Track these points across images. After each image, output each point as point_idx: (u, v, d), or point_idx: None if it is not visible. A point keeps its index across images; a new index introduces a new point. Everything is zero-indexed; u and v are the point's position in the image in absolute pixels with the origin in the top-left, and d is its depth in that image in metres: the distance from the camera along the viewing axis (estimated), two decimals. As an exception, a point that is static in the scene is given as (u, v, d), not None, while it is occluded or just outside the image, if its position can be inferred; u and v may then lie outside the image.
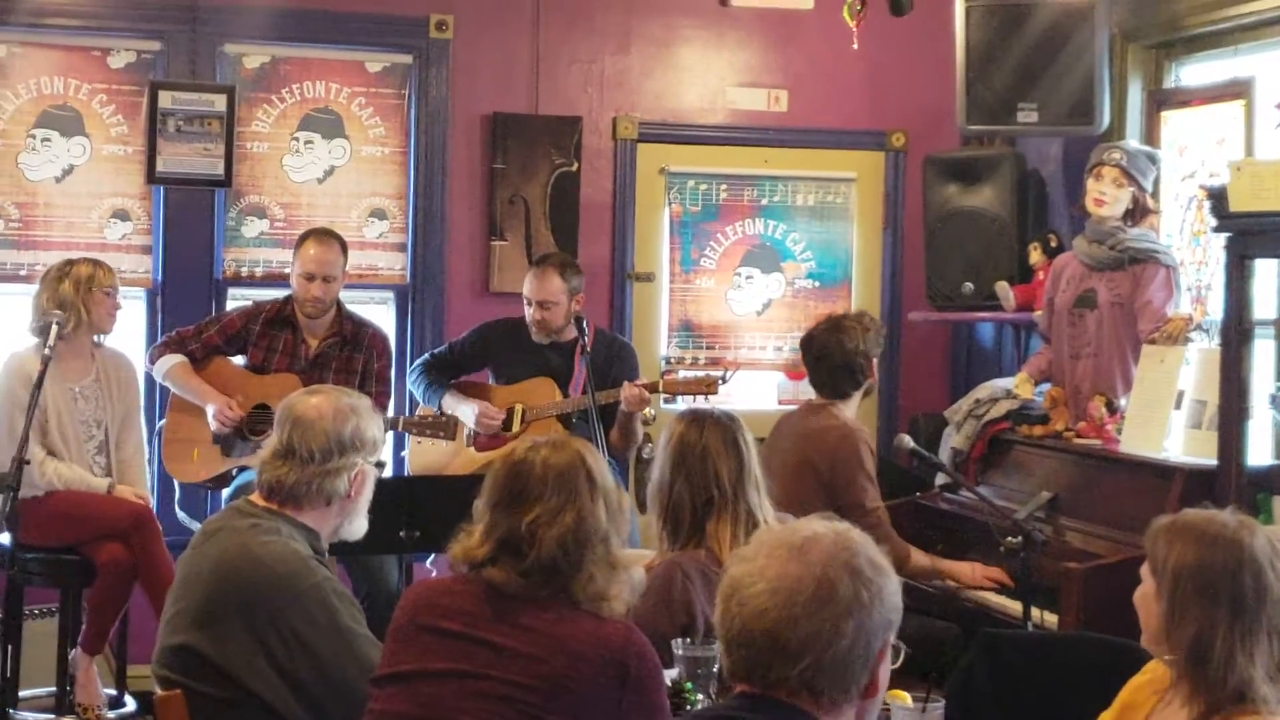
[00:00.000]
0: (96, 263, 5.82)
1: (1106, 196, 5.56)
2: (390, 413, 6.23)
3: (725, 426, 3.86)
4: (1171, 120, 6.21)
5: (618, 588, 3.00)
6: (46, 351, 5.36)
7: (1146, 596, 2.87)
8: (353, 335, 6.11)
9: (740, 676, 2.24)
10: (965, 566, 5.29)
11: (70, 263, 5.79)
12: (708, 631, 3.50)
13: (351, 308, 6.31)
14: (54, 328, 5.42)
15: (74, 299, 5.64)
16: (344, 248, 6.11)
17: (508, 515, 2.98)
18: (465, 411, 6.10)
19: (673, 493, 3.80)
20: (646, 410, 5.99)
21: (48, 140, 6.65)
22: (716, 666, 3.20)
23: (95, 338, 5.81)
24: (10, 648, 5.44)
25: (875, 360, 5.42)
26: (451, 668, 2.92)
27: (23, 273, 6.56)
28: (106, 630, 5.61)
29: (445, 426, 5.91)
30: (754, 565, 2.21)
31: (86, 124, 6.68)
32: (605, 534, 3.01)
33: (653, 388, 5.91)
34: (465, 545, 3.04)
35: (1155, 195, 5.79)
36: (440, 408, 6.12)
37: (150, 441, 6.12)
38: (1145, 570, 2.90)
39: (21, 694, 5.63)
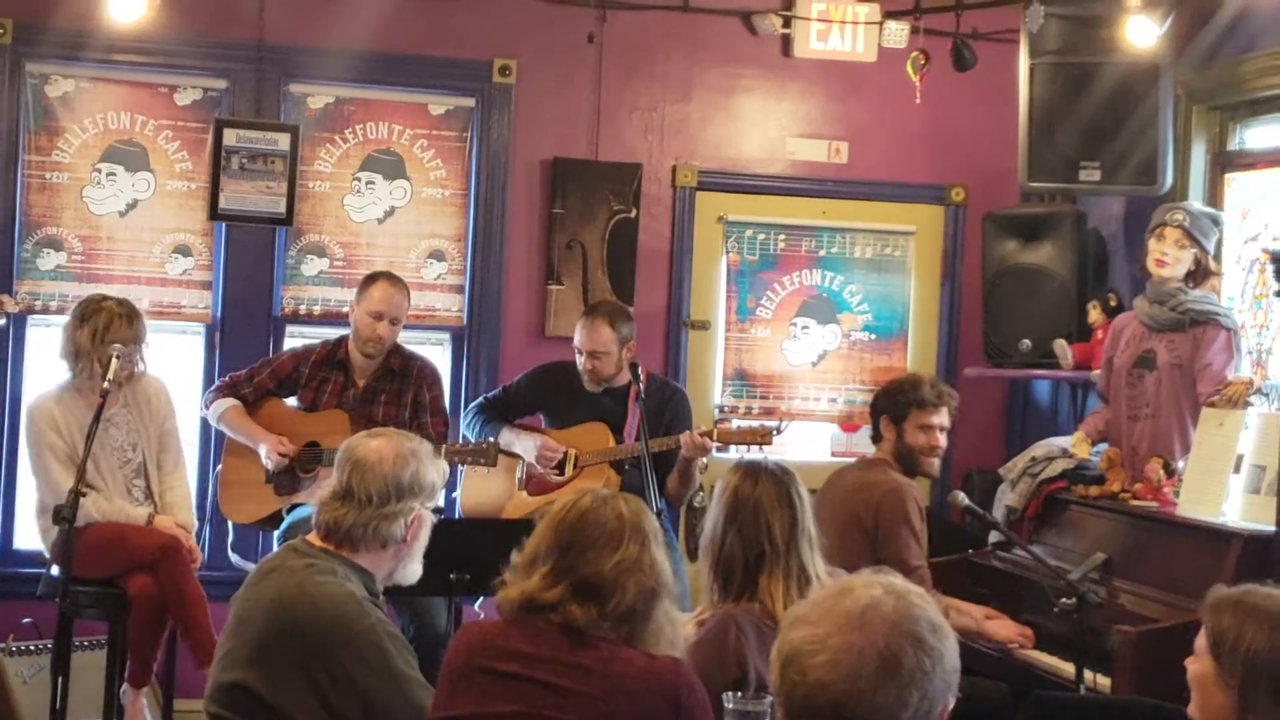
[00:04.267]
0: (122, 307, 5.66)
1: (1168, 257, 5.53)
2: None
3: (779, 480, 3.82)
4: (1235, 182, 6.19)
5: (676, 647, 3.09)
6: (106, 385, 5.35)
7: (1205, 678, 2.79)
8: (401, 368, 6.12)
9: None
10: (1000, 628, 5.24)
11: (98, 303, 5.67)
12: (759, 685, 3.48)
13: (407, 348, 6.32)
14: (113, 361, 5.41)
15: (89, 348, 5.58)
16: (408, 293, 6.14)
17: (585, 560, 3.01)
18: (525, 446, 6.11)
19: (724, 546, 3.77)
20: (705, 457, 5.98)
21: (113, 175, 6.72)
22: (767, 720, 3.18)
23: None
24: (60, 679, 5.44)
25: (891, 423, 5.43)
26: (512, 709, 2.94)
27: (84, 305, 6.62)
28: (148, 663, 5.59)
29: (485, 453, 5.90)
30: (814, 632, 2.17)
31: (151, 159, 6.75)
32: (670, 588, 3.08)
33: (709, 436, 5.89)
34: (524, 588, 3.04)
35: (1217, 257, 5.75)
36: (495, 440, 6.10)
37: (207, 485, 6.14)
38: (1202, 645, 2.81)
39: (70, 726, 5.64)
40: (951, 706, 2.19)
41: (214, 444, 6.40)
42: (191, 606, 5.44)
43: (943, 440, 5.46)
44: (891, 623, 2.14)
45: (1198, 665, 2.82)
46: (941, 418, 5.44)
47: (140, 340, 5.73)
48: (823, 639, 2.14)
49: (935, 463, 5.48)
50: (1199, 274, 5.56)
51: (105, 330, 5.60)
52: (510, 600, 3.07)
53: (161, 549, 5.53)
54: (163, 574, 5.50)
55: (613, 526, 3.03)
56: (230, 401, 6.06)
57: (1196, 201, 6.03)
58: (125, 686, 5.63)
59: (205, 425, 6.44)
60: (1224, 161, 6.24)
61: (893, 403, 5.45)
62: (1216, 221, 5.68)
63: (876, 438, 5.53)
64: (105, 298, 5.75)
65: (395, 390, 6.09)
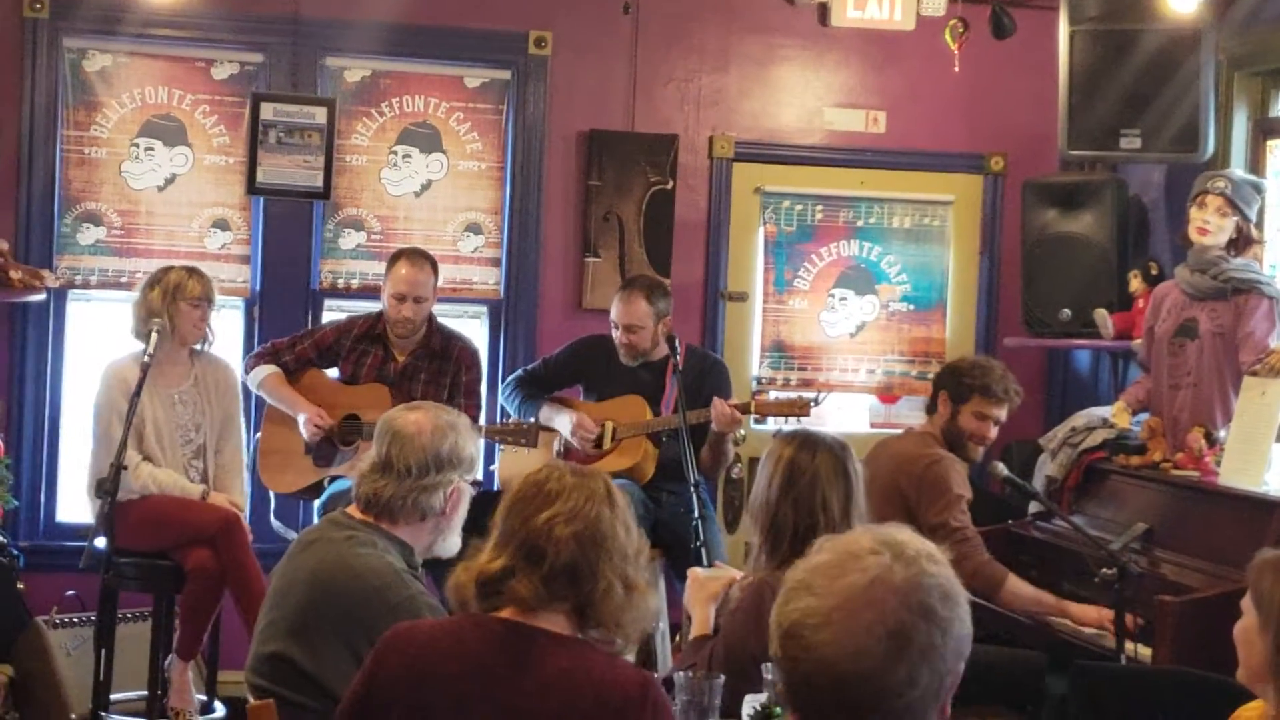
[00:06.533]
0: (191, 271, 5.84)
1: (1210, 225, 5.47)
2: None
3: (836, 453, 3.82)
4: (1277, 149, 6.12)
5: (633, 613, 2.87)
6: (146, 359, 5.42)
7: (1249, 631, 2.82)
8: (441, 348, 6.13)
9: (802, 713, 2.06)
10: (1090, 611, 5.03)
11: (166, 269, 5.85)
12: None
13: (445, 321, 6.34)
14: (154, 335, 5.47)
15: (160, 307, 5.67)
16: (435, 267, 6.14)
17: (523, 520, 2.84)
18: (561, 422, 6.12)
19: (778, 514, 3.77)
20: (738, 430, 5.96)
21: (151, 149, 6.73)
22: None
23: (197, 345, 5.86)
24: (104, 651, 5.48)
25: (949, 400, 5.41)
26: None
27: (124, 280, 6.63)
28: (200, 635, 5.65)
29: (526, 434, 5.92)
30: (816, 604, 2.01)
31: (189, 134, 6.76)
32: (624, 550, 2.87)
33: (744, 408, 5.88)
34: (469, 565, 2.89)
35: (1259, 225, 5.70)
36: (536, 420, 6.12)
37: (247, 452, 6.17)
38: (1248, 603, 2.84)
39: (113, 697, 5.68)
40: (962, 672, 2.05)
41: (255, 415, 6.41)
42: (252, 582, 5.48)
43: (993, 434, 5.45)
44: (902, 596, 1.99)
45: (1241, 622, 2.83)
46: (1001, 412, 5.43)
47: (211, 300, 5.83)
48: (826, 614, 2.00)
49: (980, 450, 5.49)
50: (1241, 242, 5.50)
51: (177, 289, 5.72)
52: (461, 587, 2.89)
53: (223, 523, 5.59)
54: (223, 548, 5.56)
55: (554, 483, 2.86)
56: (271, 368, 6.10)
57: (1238, 169, 5.97)
58: (172, 658, 5.68)
59: (247, 397, 6.45)
60: (1266, 128, 6.18)
61: (957, 382, 5.42)
62: (1259, 189, 5.63)
63: (932, 408, 5.53)
64: (170, 266, 5.90)
65: (436, 370, 6.10)
